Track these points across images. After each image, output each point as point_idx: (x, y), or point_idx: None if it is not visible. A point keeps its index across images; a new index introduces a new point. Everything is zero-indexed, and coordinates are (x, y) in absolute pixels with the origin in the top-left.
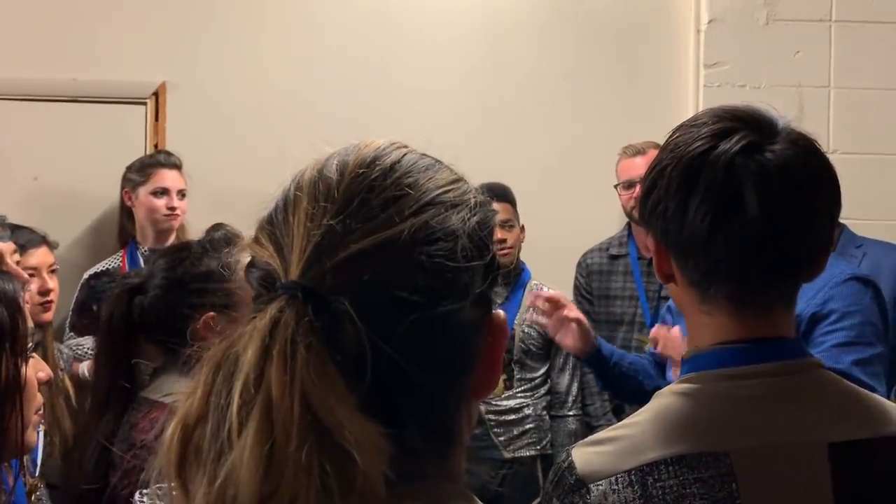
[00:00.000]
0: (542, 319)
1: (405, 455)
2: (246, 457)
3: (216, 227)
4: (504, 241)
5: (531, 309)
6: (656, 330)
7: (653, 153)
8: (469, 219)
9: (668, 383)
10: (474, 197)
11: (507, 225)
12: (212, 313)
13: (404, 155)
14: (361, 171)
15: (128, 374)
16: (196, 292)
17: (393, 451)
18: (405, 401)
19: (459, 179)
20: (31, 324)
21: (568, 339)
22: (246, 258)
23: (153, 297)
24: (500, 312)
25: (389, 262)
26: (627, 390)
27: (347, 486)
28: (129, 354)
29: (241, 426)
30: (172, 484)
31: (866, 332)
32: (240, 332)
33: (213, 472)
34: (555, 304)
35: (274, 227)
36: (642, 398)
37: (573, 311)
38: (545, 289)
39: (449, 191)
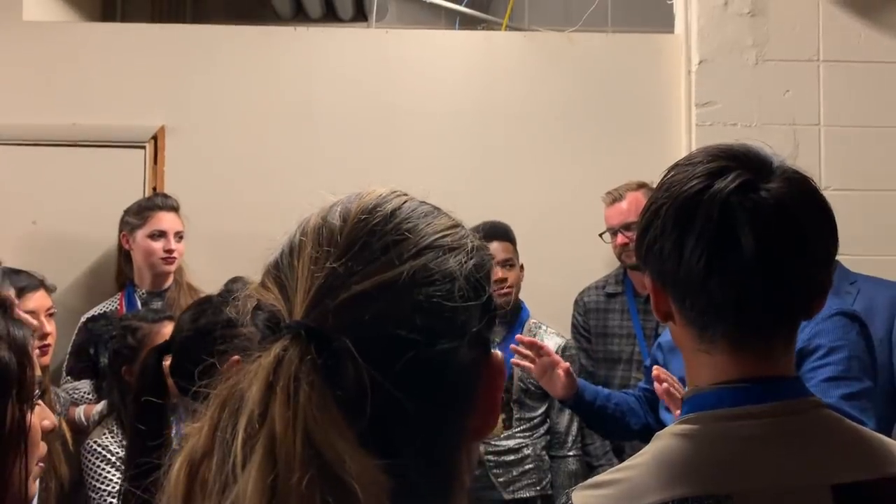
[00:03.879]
0: (525, 363)
1: (406, 491)
2: (250, 489)
3: (235, 280)
4: (504, 280)
5: (514, 355)
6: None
7: (631, 196)
8: (466, 262)
9: (658, 420)
10: (471, 241)
11: (507, 264)
12: (236, 357)
13: (404, 202)
14: (363, 217)
15: (159, 428)
16: (220, 339)
17: (393, 486)
18: (404, 437)
19: (457, 225)
20: (38, 371)
21: (554, 386)
22: (253, 302)
23: (181, 350)
24: (499, 353)
25: (389, 303)
26: (614, 430)
27: None
28: (163, 409)
29: (245, 460)
30: None
31: (854, 366)
32: (245, 370)
33: (218, 503)
34: (536, 350)
35: (279, 270)
36: (630, 437)
37: (556, 358)
38: (544, 327)
39: (447, 235)
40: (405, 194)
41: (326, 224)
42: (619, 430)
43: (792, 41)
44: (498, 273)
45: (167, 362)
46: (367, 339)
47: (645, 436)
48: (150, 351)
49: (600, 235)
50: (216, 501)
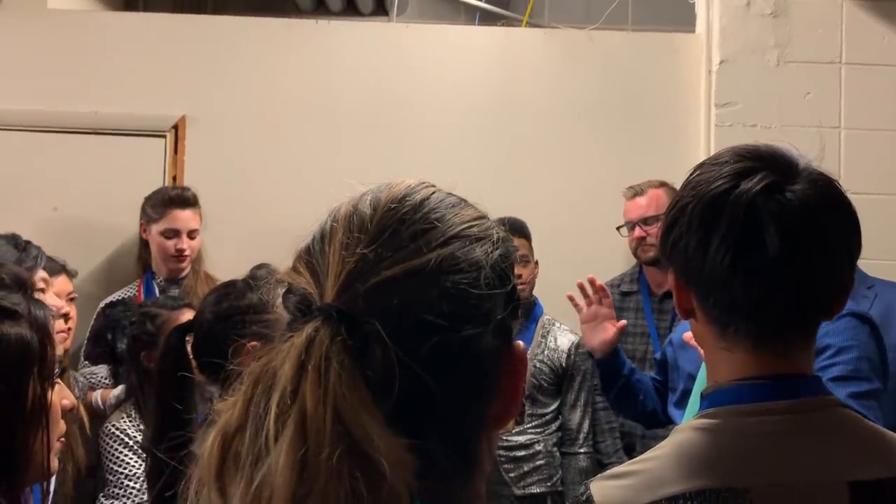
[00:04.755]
0: (581, 301)
1: (430, 472)
2: (281, 462)
3: (260, 266)
4: (519, 276)
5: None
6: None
7: (652, 192)
8: (492, 252)
9: (665, 412)
10: (497, 232)
11: (522, 260)
12: (253, 342)
13: (432, 193)
14: (393, 206)
15: (183, 404)
16: (240, 324)
17: (419, 467)
18: (429, 419)
19: (483, 217)
20: (59, 351)
21: (595, 337)
22: (283, 286)
23: (202, 331)
24: (521, 343)
25: (417, 289)
26: (625, 402)
27: (374, 494)
28: (184, 386)
29: (277, 434)
30: (211, 488)
31: (863, 366)
32: (278, 349)
33: (251, 475)
34: (602, 294)
35: (311, 256)
36: (636, 416)
37: (613, 312)
38: (557, 324)
39: (473, 226)
40: (433, 185)
41: (357, 212)
42: (632, 404)
43: (814, 43)
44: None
45: (190, 341)
46: (395, 323)
47: (650, 421)
48: (172, 329)
49: (618, 229)
50: (248, 474)
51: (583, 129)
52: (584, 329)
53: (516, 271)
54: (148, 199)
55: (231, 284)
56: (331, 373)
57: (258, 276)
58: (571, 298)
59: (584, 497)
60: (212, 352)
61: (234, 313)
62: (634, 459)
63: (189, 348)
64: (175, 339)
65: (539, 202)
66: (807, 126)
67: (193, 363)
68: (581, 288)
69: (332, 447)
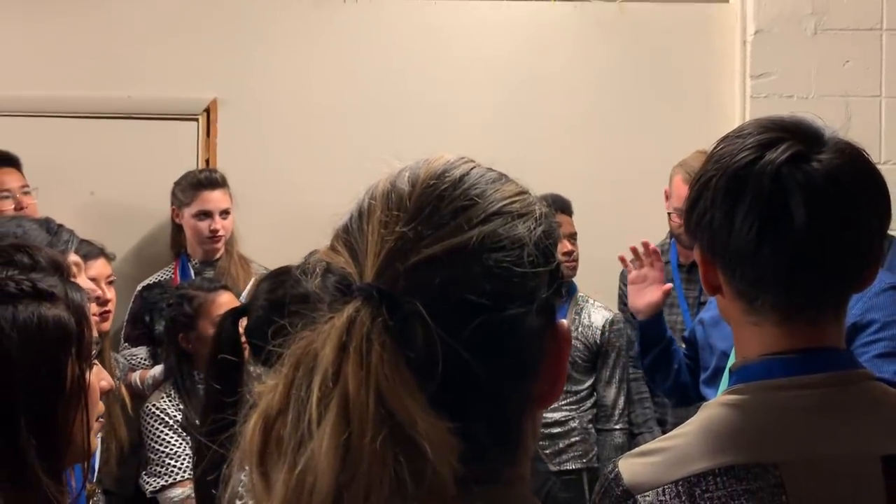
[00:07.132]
0: (631, 263)
1: (474, 454)
2: (324, 446)
3: (314, 253)
4: (571, 252)
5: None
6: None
7: None
8: (535, 228)
9: (696, 388)
10: (540, 208)
11: (573, 237)
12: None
13: (472, 168)
14: (432, 182)
15: (235, 388)
16: (296, 313)
17: (463, 450)
18: (473, 400)
19: (525, 192)
20: (95, 333)
21: (641, 298)
22: (322, 265)
23: (256, 318)
24: (565, 322)
25: (459, 267)
26: (661, 370)
27: (418, 477)
28: (237, 372)
29: (319, 418)
30: (253, 473)
31: None
32: (318, 331)
33: (293, 460)
34: (655, 257)
35: (349, 235)
36: (669, 384)
37: (662, 276)
38: (591, 301)
39: (515, 202)
40: (472, 161)
41: (395, 189)
42: (666, 372)
43: (853, 9)
44: (567, 246)
45: (243, 324)
46: (437, 303)
47: (680, 395)
48: (225, 314)
49: (669, 214)
50: (291, 458)
51: (615, 103)
52: (631, 290)
53: (568, 247)
54: (177, 183)
55: (286, 272)
56: (372, 354)
57: (313, 262)
58: (622, 259)
59: (612, 475)
60: (263, 340)
61: (289, 302)
62: (662, 437)
63: (243, 329)
64: (228, 324)
65: (572, 178)
66: (846, 95)
67: (244, 342)
68: (633, 251)
69: (375, 431)
